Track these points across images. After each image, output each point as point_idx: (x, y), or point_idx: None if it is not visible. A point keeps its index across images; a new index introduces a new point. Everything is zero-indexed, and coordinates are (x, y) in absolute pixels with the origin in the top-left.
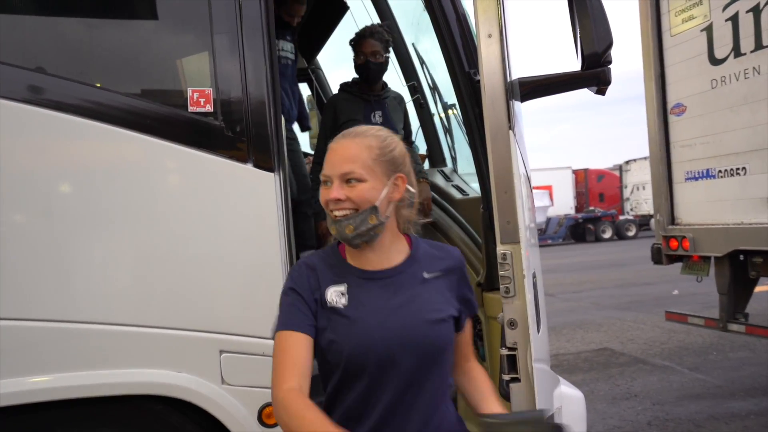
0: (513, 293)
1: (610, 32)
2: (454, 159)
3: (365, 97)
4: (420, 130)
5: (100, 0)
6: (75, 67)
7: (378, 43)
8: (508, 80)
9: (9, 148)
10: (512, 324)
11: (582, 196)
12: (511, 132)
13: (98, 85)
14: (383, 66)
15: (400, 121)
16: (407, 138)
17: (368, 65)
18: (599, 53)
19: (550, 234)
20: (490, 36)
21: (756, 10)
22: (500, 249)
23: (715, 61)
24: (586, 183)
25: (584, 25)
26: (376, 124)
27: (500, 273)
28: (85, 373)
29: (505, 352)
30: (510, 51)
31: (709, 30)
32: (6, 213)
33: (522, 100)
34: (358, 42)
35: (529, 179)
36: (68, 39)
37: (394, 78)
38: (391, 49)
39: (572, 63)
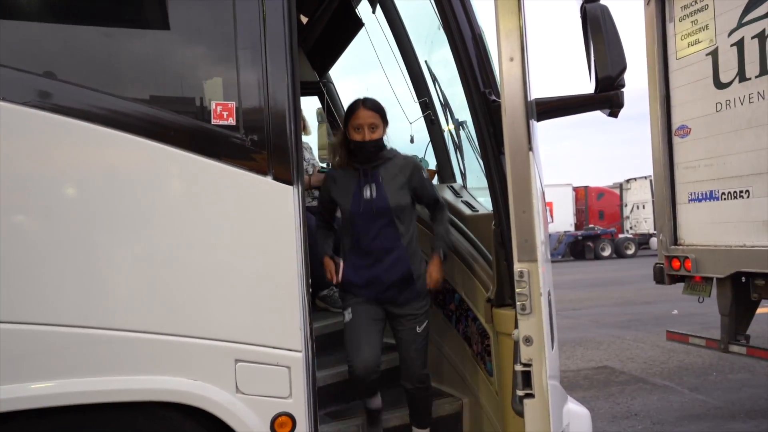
0: (529, 310)
1: (623, 57)
2: (463, 175)
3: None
4: (430, 145)
5: (129, 16)
6: (101, 78)
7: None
8: (529, 102)
9: (36, 155)
10: (528, 341)
11: (582, 214)
12: (531, 153)
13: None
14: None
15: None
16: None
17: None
18: (613, 77)
19: (549, 251)
20: (512, 59)
21: (762, 36)
22: (518, 267)
23: (720, 84)
24: (586, 200)
25: (599, 49)
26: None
27: (517, 290)
28: (101, 378)
29: (519, 368)
30: (529, 72)
31: (714, 54)
32: (30, 218)
33: (538, 120)
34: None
35: (543, 195)
36: (95, 51)
37: (405, 94)
38: (403, 64)
39: (583, 84)
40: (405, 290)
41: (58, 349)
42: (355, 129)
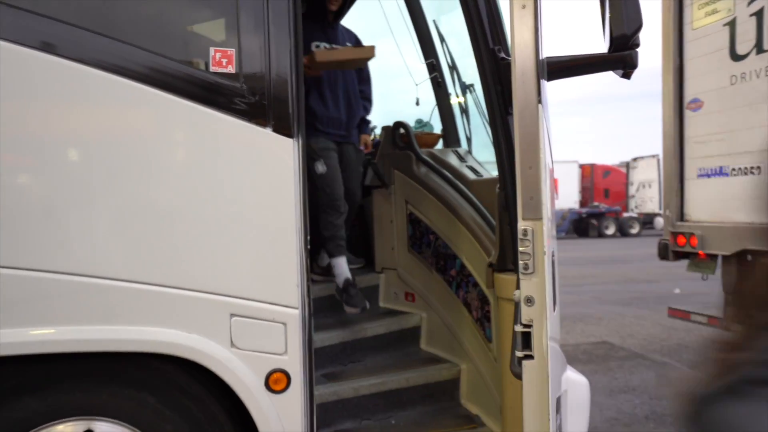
0: (532, 270)
1: (640, 14)
2: (469, 140)
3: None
4: (436, 108)
5: None
6: (99, 20)
7: None
8: (540, 55)
9: (33, 100)
10: (529, 301)
11: (587, 191)
12: (540, 106)
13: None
14: None
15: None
16: None
17: None
18: (628, 35)
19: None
20: (524, 7)
21: None
22: (522, 225)
23: (736, 56)
24: (592, 178)
25: (614, 5)
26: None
27: (520, 249)
28: (96, 327)
29: (520, 329)
30: (542, 25)
31: (732, 25)
32: (28, 166)
33: (548, 79)
34: None
35: (551, 153)
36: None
37: (412, 54)
38: (411, 24)
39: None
40: None
41: (54, 297)
42: None
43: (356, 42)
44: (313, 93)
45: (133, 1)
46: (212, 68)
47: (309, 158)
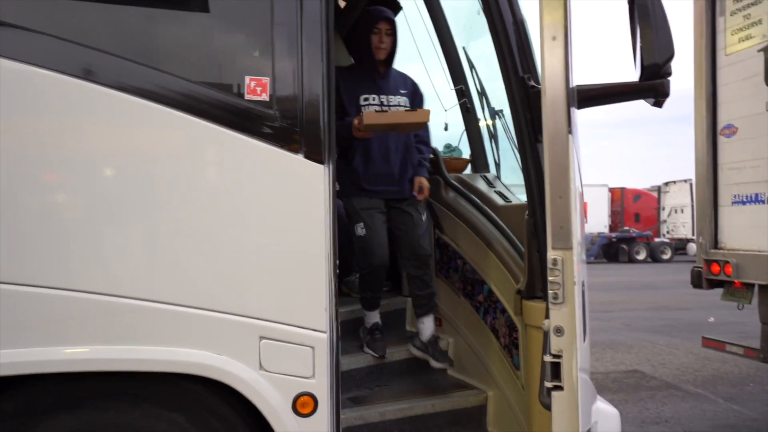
0: (562, 300)
1: (672, 43)
2: (497, 165)
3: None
4: (464, 133)
5: None
6: (139, 51)
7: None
8: (570, 85)
9: (69, 126)
10: (558, 331)
11: (617, 215)
12: (570, 136)
13: (160, 68)
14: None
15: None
16: None
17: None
18: (659, 64)
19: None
20: (554, 38)
21: None
22: (551, 254)
23: None
24: (622, 202)
25: (646, 35)
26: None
27: (549, 279)
28: (128, 347)
29: (549, 359)
30: (572, 55)
31: (766, 51)
32: (64, 189)
33: (579, 107)
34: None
35: (581, 182)
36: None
37: (441, 79)
38: (441, 50)
39: (626, 73)
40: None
41: (89, 316)
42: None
43: (413, 88)
44: (359, 152)
45: (175, 35)
46: (247, 96)
47: (350, 218)
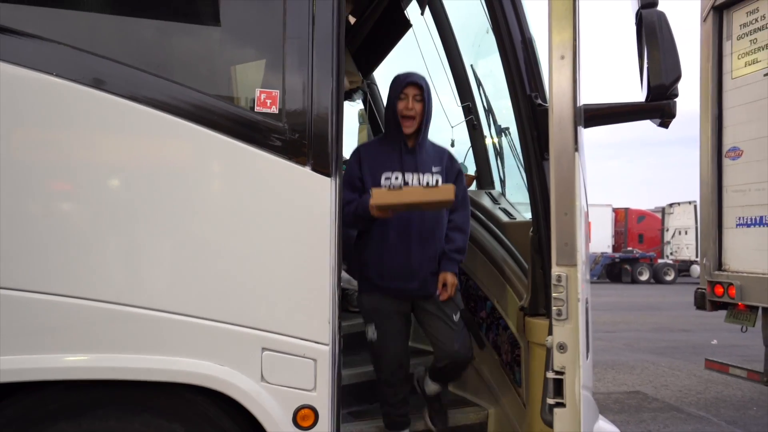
0: (565, 316)
1: (679, 64)
2: (502, 182)
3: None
4: (470, 150)
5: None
6: (154, 62)
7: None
8: (578, 103)
9: (77, 136)
10: (562, 347)
11: (620, 236)
12: (576, 154)
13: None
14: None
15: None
16: None
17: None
18: (666, 85)
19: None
20: (563, 57)
21: None
22: (556, 270)
23: None
24: (626, 222)
25: (653, 56)
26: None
27: (553, 295)
28: (130, 356)
29: (552, 375)
30: (580, 75)
31: None
32: (73, 200)
33: (585, 126)
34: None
35: (587, 200)
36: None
37: (448, 96)
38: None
39: (631, 93)
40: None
41: (92, 324)
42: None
43: (449, 162)
44: (374, 238)
45: (188, 47)
46: (257, 108)
47: (362, 316)
